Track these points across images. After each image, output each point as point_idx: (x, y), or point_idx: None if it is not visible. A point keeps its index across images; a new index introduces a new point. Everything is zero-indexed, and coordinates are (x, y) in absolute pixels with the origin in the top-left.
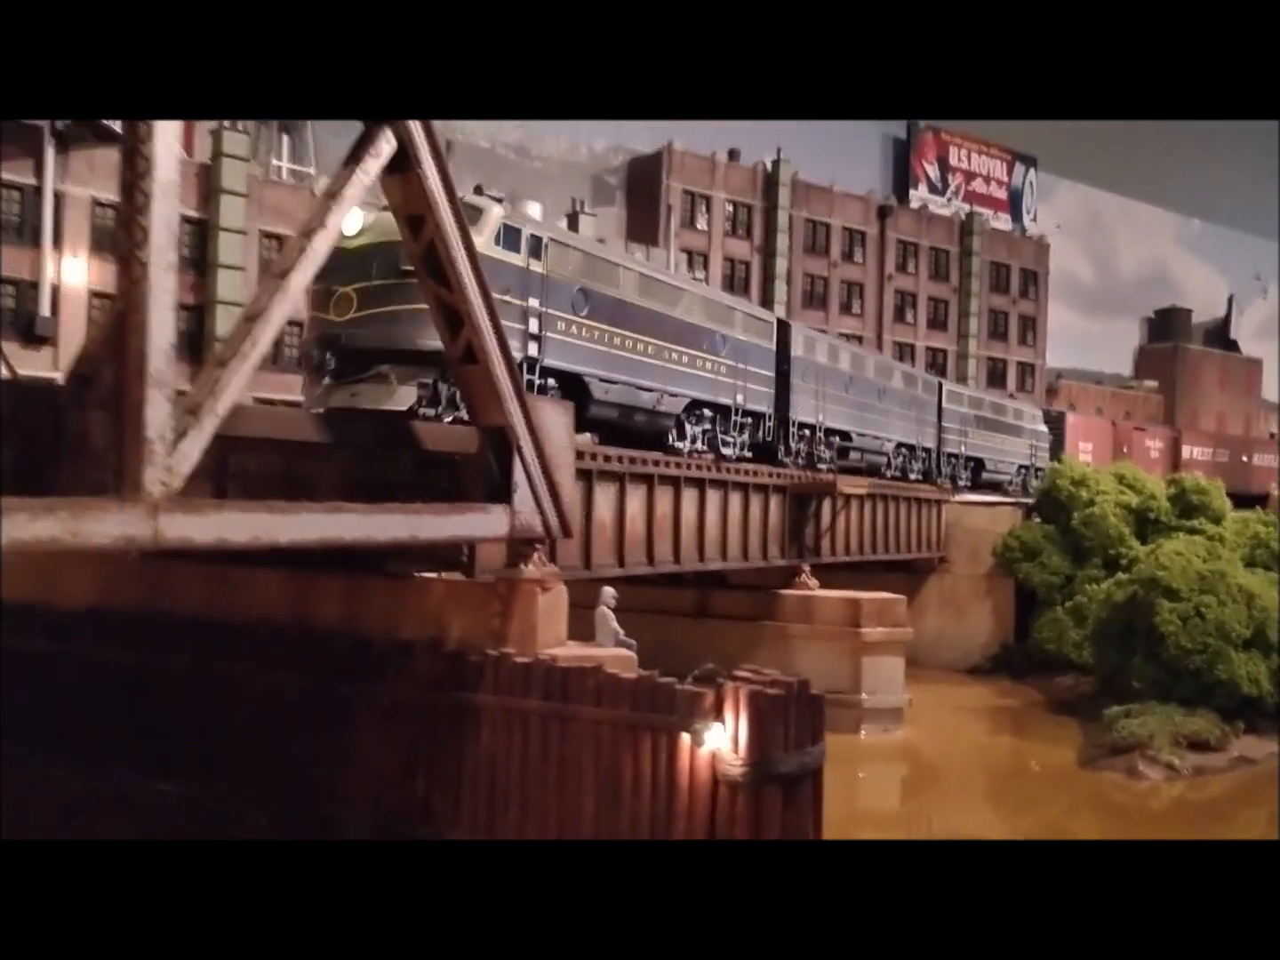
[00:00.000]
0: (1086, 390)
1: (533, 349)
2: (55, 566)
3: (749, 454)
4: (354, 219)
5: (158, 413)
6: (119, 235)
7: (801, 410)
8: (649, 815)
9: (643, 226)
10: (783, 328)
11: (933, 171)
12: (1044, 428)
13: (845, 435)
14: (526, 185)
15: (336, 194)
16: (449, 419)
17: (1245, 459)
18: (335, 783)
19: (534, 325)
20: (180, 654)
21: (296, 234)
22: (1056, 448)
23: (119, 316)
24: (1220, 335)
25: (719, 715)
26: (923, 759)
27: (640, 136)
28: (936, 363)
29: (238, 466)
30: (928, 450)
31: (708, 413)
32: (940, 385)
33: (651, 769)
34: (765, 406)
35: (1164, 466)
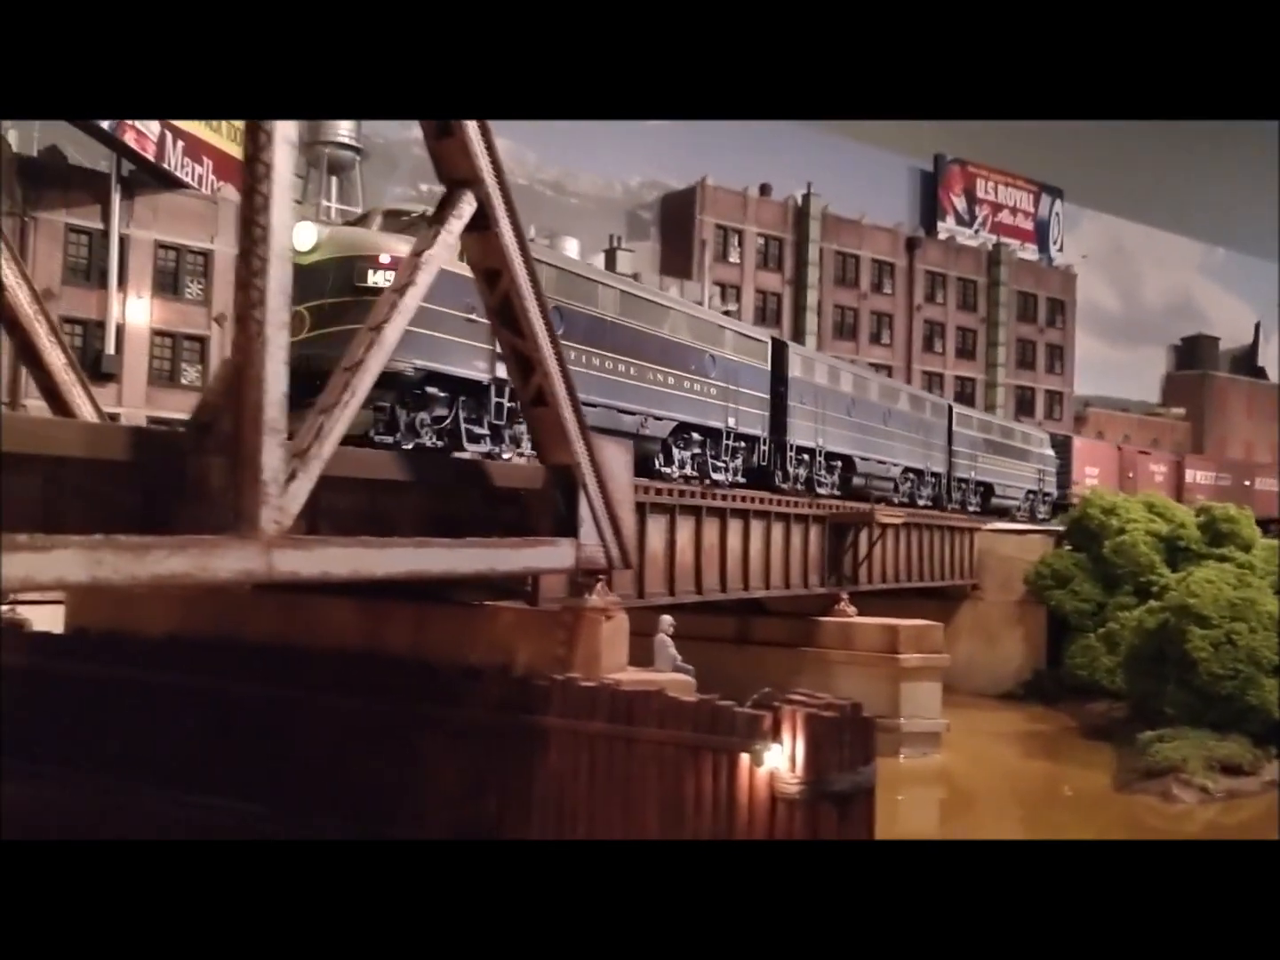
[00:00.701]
0: (1114, 418)
1: (501, 370)
2: (133, 596)
3: (743, 480)
4: (307, 234)
5: (272, 458)
6: (236, 296)
7: (799, 434)
8: (710, 831)
9: (676, 260)
10: (778, 348)
11: (960, 203)
12: (1051, 451)
13: (848, 460)
14: (564, 221)
15: (423, 252)
16: (409, 446)
17: (1247, 483)
18: (408, 802)
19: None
20: (256, 680)
21: (388, 290)
22: (1064, 472)
23: (236, 370)
24: (1247, 363)
25: (777, 736)
26: (960, 782)
27: (673, 172)
28: (965, 392)
29: (328, 504)
30: (936, 475)
31: (697, 436)
32: (950, 408)
33: (712, 787)
34: (760, 430)
35: (1168, 490)
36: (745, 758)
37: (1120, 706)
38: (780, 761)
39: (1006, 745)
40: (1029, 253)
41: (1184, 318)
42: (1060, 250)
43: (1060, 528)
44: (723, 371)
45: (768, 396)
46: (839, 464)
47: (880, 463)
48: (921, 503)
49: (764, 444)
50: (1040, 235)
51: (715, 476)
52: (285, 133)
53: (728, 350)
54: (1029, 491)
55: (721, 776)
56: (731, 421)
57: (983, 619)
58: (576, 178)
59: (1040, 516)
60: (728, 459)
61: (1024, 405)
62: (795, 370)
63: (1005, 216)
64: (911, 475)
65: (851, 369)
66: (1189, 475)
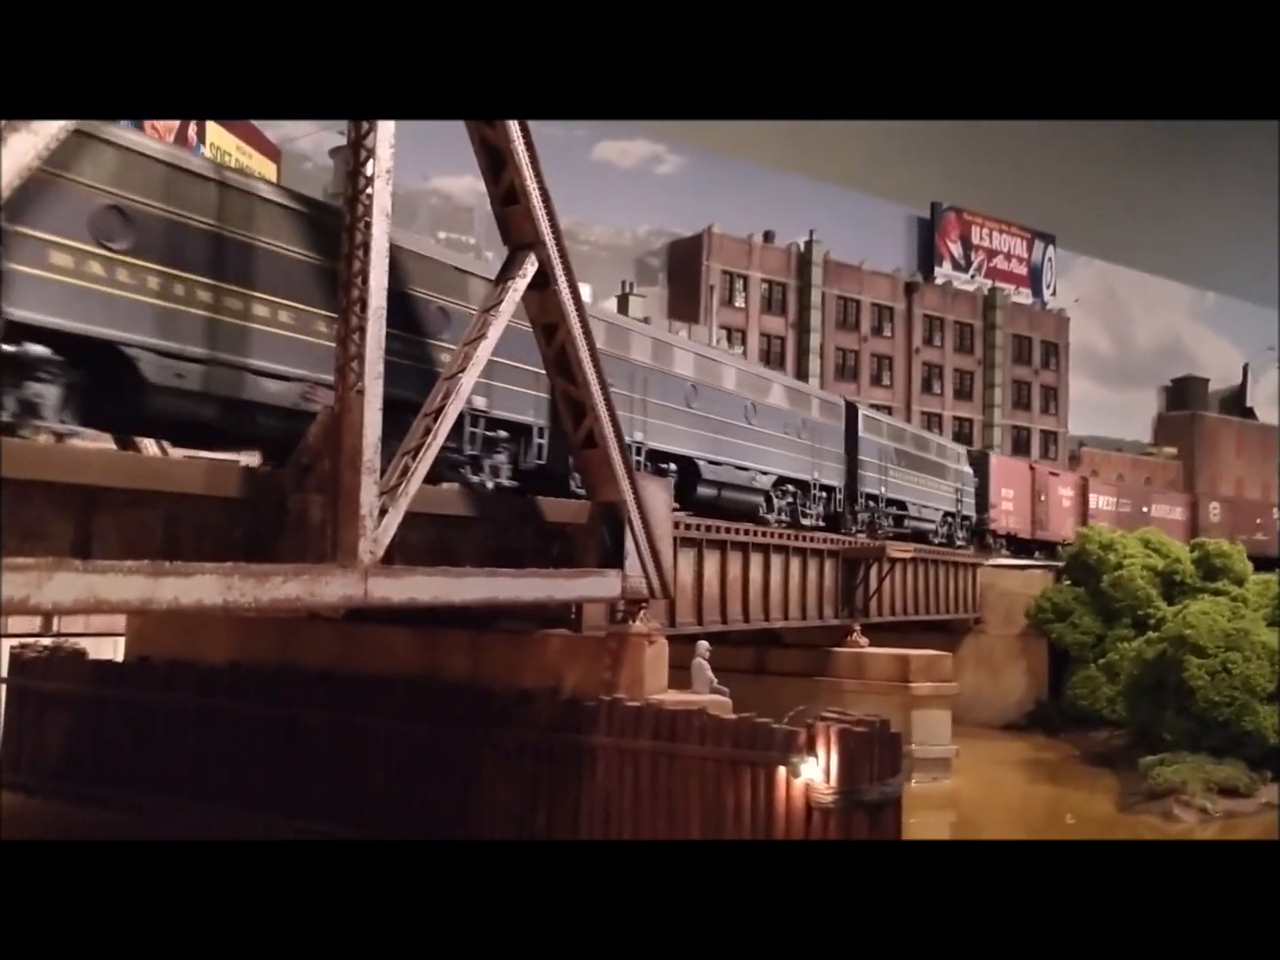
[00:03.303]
0: (1108, 457)
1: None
2: (196, 624)
3: (512, 484)
4: None
5: (368, 495)
6: (337, 350)
7: None
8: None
9: (684, 305)
10: None
11: (956, 249)
12: (969, 469)
13: (687, 463)
14: (576, 268)
15: (493, 308)
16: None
17: (1145, 509)
18: (465, 818)
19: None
20: (319, 705)
21: (461, 343)
22: (982, 493)
23: (336, 416)
24: (1236, 403)
25: (812, 751)
26: (970, 806)
27: (681, 220)
28: (963, 432)
29: (400, 537)
30: (829, 489)
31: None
32: (852, 409)
33: (751, 799)
34: (530, 415)
35: (1075, 514)
36: (782, 771)
37: (1121, 734)
38: (815, 774)
39: (1013, 772)
40: (1023, 297)
41: (1174, 360)
42: (1053, 295)
43: (1060, 563)
44: (460, 328)
45: (541, 371)
46: (673, 467)
47: (740, 469)
48: (808, 522)
49: (540, 436)
50: (1034, 280)
51: (473, 480)
52: (382, 204)
53: (471, 301)
54: (946, 514)
55: (760, 789)
56: (480, 402)
57: (986, 652)
58: (589, 226)
59: (958, 544)
60: (476, 451)
61: (1020, 445)
62: (595, 340)
63: (1000, 262)
64: (792, 488)
65: (693, 347)
66: (1092, 500)
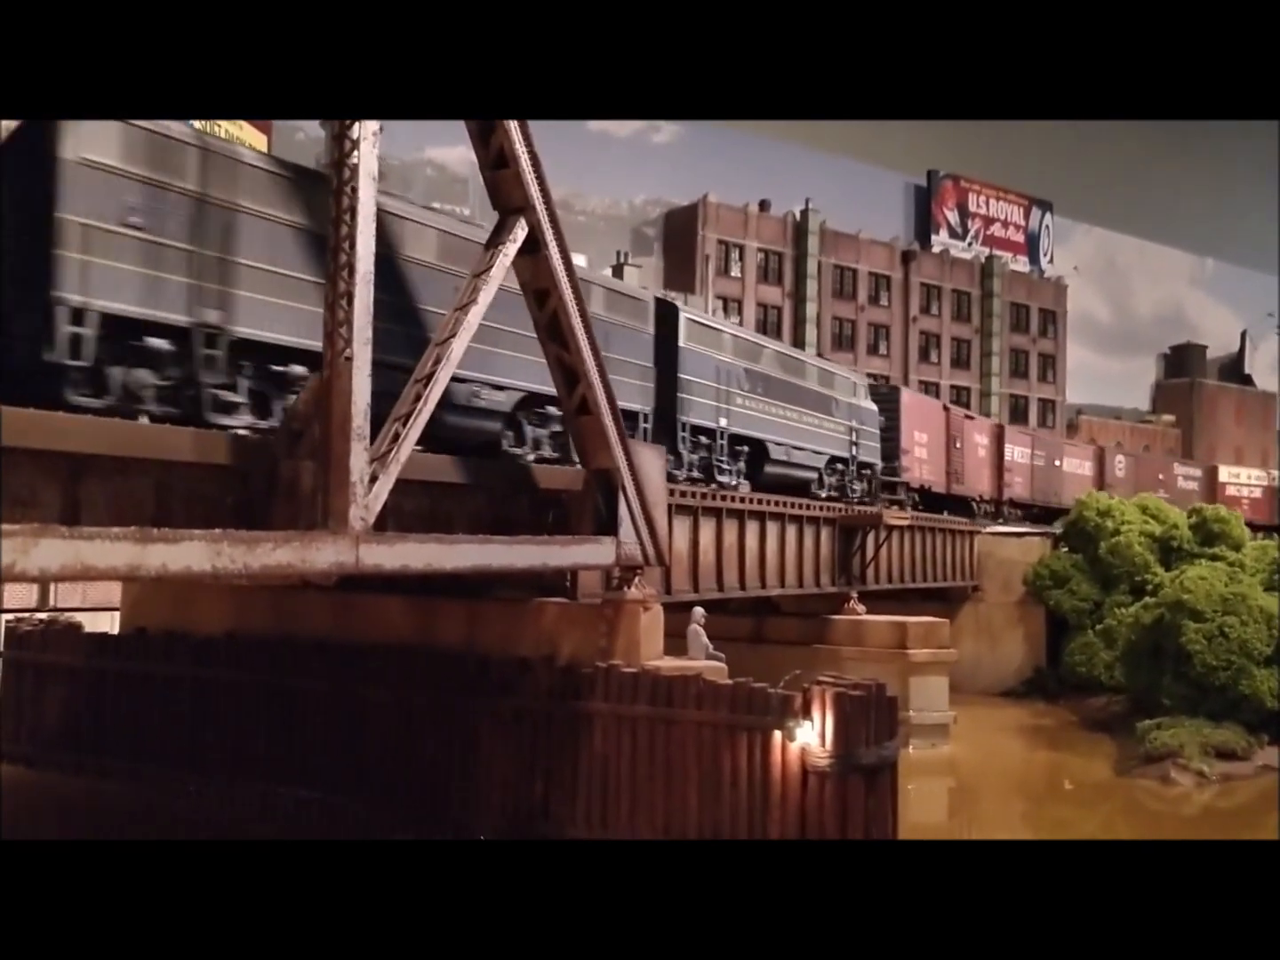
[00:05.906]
0: (1106, 425)
1: None
2: (191, 595)
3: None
4: None
5: (359, 461)
6: (325, 315)
7: (159, 303)
8: (747, 806)
9: (680, 275)
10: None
11: (953, 217)
12: (872, 405)
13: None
14: (572, 238)
15: (483, 273)
16: None
17: (1057, 463)
18: (463, 786)
19: None
20: (317, 675)
21: (452, 309)
22: (890, 438)
23: (325, 383)
24: (1235, 370)
25: (808, 715)
26: (968, 772)
27: (676, 189)
28: (960, 400)
29: (393, 504)
30: (628, 416)
31: None
32: (672, 309)
33: (748, 764)
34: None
35: (991, 466)
36: (778, 735)
37: (1118, 700)
38: (811, 738)
39: (1011, 738)
40: (1020, 265)
41: (1174, 327)
42: (1051, 262)
43: (1058, 530)
44: None
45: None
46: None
47: (458, 382)
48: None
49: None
50: (1031, 248)
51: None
52: (369, 168)
53: None
54: (835, 459)
55: (756, 753)
56: None
57: (984, 619)
58: (584, 196)
59: (852, 495)
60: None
61: (1018, 413)
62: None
63: (997, 229)
64: (556, 411)
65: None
66: (1007, 451)
